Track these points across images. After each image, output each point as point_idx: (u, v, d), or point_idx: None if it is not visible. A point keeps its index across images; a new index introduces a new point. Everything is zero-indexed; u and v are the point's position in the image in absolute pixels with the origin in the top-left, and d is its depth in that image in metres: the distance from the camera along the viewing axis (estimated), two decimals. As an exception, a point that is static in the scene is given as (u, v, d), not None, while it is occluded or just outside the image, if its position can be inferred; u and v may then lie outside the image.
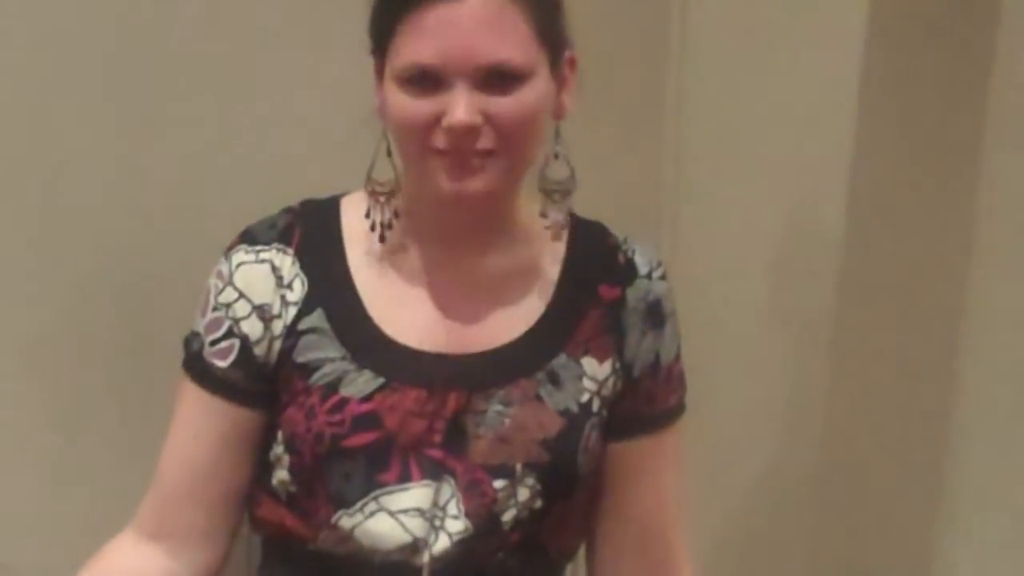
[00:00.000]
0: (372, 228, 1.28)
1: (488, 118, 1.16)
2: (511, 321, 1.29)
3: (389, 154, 1.26)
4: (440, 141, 1.17)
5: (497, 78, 1.16)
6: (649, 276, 1.34)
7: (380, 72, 1.22)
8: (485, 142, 1.17)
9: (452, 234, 1.29)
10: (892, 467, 1.97)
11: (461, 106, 1.14)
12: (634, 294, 1.32)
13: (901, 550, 1.99)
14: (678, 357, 1.36)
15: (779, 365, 2.04)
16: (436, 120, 1.16)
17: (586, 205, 1.34)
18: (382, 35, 1.20)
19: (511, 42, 1.16)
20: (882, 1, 1.84)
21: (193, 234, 1.56)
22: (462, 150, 1.17)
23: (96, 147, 1.55)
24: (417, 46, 1.15)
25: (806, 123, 1.94)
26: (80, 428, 1.60)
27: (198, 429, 1.28)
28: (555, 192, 1.28)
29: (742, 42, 2.02)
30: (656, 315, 1.33)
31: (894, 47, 1.83)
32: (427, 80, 1.16)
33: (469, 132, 1.15)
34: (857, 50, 1.83)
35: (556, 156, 1.26)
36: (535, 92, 1.18)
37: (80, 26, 1.51)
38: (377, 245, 1.29)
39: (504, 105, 1.16)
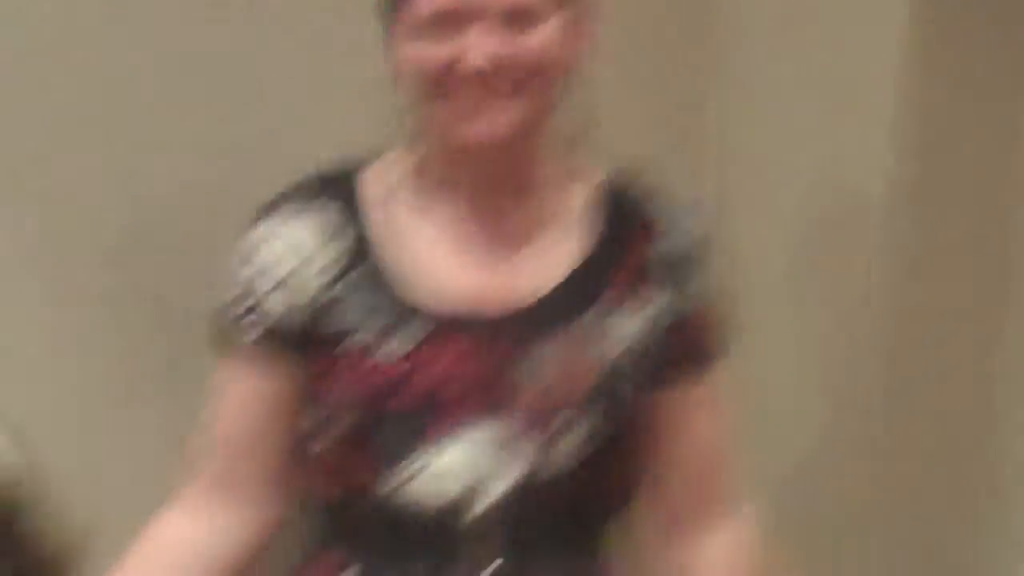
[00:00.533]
0: (391, 193, 1.30)
1: (505, 59, 1.16)
2: (543, 274, 1.29)
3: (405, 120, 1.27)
4: (458, 84, 1.17)
5: (514, 19, 1.17)
6: (683, 228, 1.34)
7: (392, 34, 1.23)
8: (502, 83, 1.17)
9: (476, 188, 1.28)
10: (950, 427, 1.94)
11: (478, 45, 1.15)
12: (667, 246, 1.32)
13: (962, 517, 1.97)
14: (713, 305, 1.35)
15: (830, 325, 2.01)
16: (453, 64, 1.17)
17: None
18: None
19: None
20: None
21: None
22: (480, 92, 1.17)
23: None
24: None
25: (848, 86, 1.91)
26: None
27: (242, 392, 1.30)
28: (575, 139, 1.28)
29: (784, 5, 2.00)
30: (688, 266, 1.33)
31: (938, 15, 1.81)
32: (445, 24, 1.16)
33: (488, 71, 1.16)
34: (901, 17, 1.79)
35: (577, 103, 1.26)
36: (550, 34, 1.19)
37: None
38: (400, 208, 1.30)
39: (520, 45, 1.17)
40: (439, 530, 1.24)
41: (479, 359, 1.24)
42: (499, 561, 1.25)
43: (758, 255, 1.95)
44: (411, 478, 1.23)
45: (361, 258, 1.27)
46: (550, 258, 1.30)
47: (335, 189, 1.30)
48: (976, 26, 1.80)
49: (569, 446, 1.24)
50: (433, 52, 1.17)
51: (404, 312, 1.25)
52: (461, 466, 1.23)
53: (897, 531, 1.97)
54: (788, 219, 1.99)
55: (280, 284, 1.27)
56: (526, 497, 1.23)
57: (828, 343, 1.96)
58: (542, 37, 1.18)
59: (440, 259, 1.28)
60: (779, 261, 2.00)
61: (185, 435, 1.34)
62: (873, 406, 1.93)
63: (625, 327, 1.29)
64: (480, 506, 1.23)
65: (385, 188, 1.30)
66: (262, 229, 1.28)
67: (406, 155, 1.30)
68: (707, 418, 1.37)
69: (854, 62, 1.87)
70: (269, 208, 1.30)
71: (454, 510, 1.23)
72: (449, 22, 1.16)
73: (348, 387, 1.24)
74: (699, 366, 1.35)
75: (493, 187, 1.28)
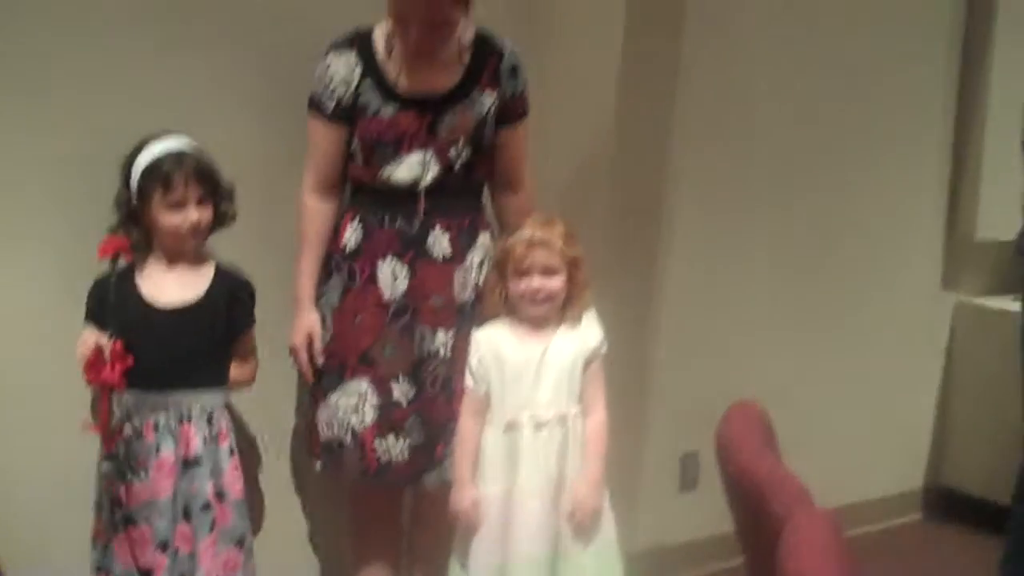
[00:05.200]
0: (386, 44, 2.72)
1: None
2: (449, 77, 2.74)
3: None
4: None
5: None
6: (510, 55, 2.80)
7: None
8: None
9: (421, 41, 2.68)
10: None
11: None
12: (504, 64, 2.79)
13: None
14: (522, 93, 2.83)
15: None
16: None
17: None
18: None
19: None
20: None
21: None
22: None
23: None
24: None
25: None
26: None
27: (324, 137, 2.75)
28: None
29: None
30: (514, 72, 2.81)
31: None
32: None
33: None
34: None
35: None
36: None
37: None
38: (388, 48, 2.71)
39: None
40: (404, 197, 2.72)
41: (422, 118, 2.70)
42: (425, 208, 2.71)
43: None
44: (392, 172, 2.71)
45: (371, 72, 2.71)
46: (452, 70, 2.74)
47: (359, 39, 2.73)
48: None
49: (461, 157, 2.73)
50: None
51: (391, 97, 2.71)
52: (415, 166, 2.71)
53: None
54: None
55: (338, 84, 2.71)
56: (442, 180, 2.72)
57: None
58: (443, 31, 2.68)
59: (406, 72, 2.70)
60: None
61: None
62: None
63: (486, 102, 2.77)
64: (422, 183, 2.71)
65: (382, 38, 2.72)
66: (330, 56, 2.72)
67: (390, 23, 2.70)
68: (517, 142, 2.85)
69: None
70: (330, 48, 2.72)
71: (411, 186, 2.71)
72: None
73: (365, 131, 2.72)
74: (517, 119, 2.84)
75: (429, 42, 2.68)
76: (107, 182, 2.59)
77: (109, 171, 2.58)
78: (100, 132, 2.68)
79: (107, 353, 2.46)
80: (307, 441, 2.89)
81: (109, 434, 2.52)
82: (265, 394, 2.85)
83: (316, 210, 2.77)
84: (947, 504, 4.29)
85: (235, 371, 2.68)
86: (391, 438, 2.73)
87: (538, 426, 2.64)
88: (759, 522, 1.81)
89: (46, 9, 2.65)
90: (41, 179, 2.69)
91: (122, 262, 2.56)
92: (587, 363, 2.69)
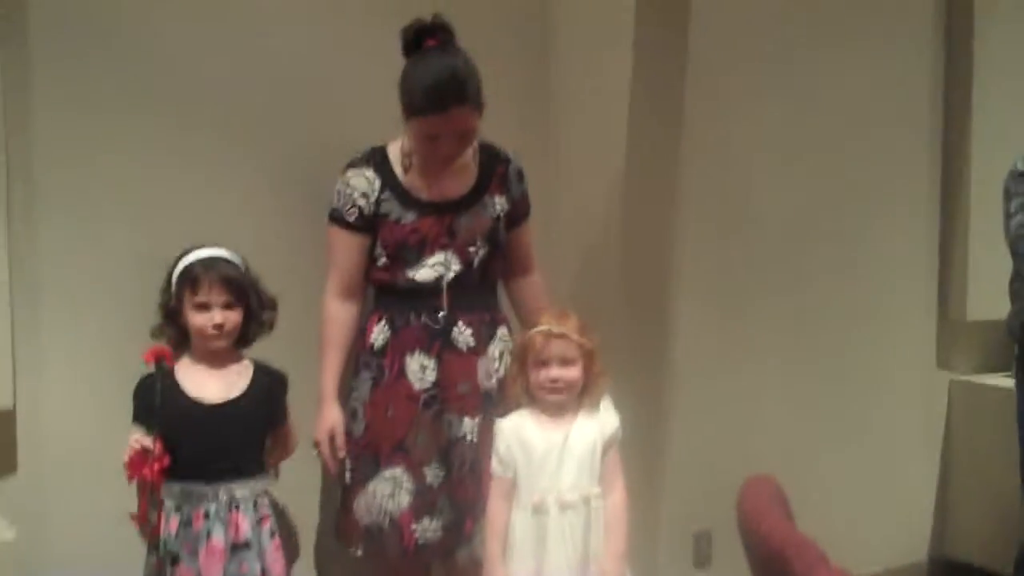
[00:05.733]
0: (403, 159, 2.94)
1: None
2: (462, 186, 2.97)
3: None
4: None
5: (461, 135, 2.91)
6: (515, 164, 3.05)
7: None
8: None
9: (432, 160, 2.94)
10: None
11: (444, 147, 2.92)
12: (510, 171, 3.04)
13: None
14: (525, 194, 3.08)
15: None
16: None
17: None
18: None
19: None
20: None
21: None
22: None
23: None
24: None
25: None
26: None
27: (347, 246, 2.95)
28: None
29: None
30: (520, 176, 3.06)
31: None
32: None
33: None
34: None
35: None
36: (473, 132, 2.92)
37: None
38: (405, 164, 2.94)
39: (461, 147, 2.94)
40: (427, 294, 2.91)
41: (441, 221, 2.92)
42: (448, 303, 2.91)
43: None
44: (416, 272, 2.91)
45: (390, 184, 2.92)
46: (465, 176, 2.98)
47: (376, 155, 2.95)
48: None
49: (479, 255, 2.95)
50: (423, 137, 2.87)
51: (411, 204, 2.92)
52: (437, 266, 2.91)
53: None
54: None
55: (359, 198, 2.91)
56: (462, 276, 2.92)
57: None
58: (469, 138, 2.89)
59: (424, 181, 2.93)
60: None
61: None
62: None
63: (497, 205, 3.00)
64: (445, 280, 2.91)
65: (398, 153, 2.94)
66: (349, 173, 2.92)
67: (407, 140, 2.91)
68: (525, 236, 3.11)
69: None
70: (350, 164, 2.93)
71: (435, 284, 2.91)
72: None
73: (389, 236, 2.91)
74: (524, 217, 3.10)
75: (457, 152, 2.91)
76: (156, 284, 2.80)
77: (158, 274, 2.80)
78: (152, 246, 2.91)
79: (153, 453, 2.63)
80: (342, 528, 3.01)
81: (148, 525, 2.67)
82: (293, 484, 3.00)
83: (339, 313, 2.95)
84: (950, 574, 4.35)
85: (277, 456, 2.87)
86: (426, 520, 2.88)
87: (563, 508, 2.77)
88: (781, 583, 1.95)
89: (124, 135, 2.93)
90: (100, 280, 2.92)
91: (165, 365, 2.73)
92: (606, 448, 2.83)
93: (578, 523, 2.79)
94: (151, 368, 2.71)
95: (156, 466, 2.64)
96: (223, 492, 2.72)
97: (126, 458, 2.65)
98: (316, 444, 2.94)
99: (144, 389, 2.74)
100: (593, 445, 2.82)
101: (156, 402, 2.69)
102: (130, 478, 2.65)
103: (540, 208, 3.18)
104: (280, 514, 2.88)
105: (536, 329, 2.85)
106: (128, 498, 2.70)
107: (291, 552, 2.91)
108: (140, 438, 2.67)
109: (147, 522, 2.67)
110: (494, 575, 2.80)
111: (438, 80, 2.74)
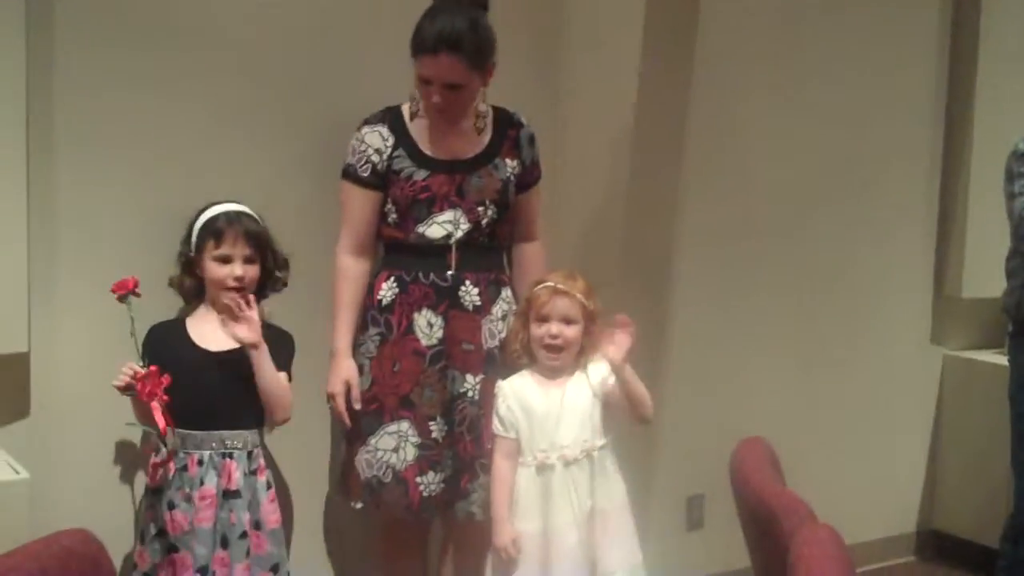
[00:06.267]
0: (412, 112, 3.01)
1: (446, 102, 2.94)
2: (474, 145, 3.03)
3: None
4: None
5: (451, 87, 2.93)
6: (526, 129, 3.12)
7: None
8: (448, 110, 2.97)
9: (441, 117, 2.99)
10: None
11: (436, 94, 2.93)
12: (522, 136, 3.10)
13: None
14: (536, 160, 3.14)
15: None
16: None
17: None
18: None
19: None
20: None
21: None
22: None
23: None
24: None
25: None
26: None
27: (360, 202, 3.01)
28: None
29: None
30: (531, 141, 3.13)
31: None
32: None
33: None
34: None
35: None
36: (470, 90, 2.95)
37: None
38: (415, 119, 3.01)
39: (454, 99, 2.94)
40: (436, 252, 2.98)
41: (452, 180, 2.98)
42: (456, 262, 2.97)
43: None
44: (425, 229, 2.97)
45: (403, 142, 2.99)
46: (476, 139, 3.03)
47: (391, 113, 3.02)
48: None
49: (488, 216, 3.01)
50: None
51: (422, 162, 2.98)
52: (447, 224, 2.97)
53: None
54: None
55: (372, 154, 2.97)
56: (471, 236, 2.99)
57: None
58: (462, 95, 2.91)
59: (434, 140, 3.00)
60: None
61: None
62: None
63: (508, 167, 3.06)
64: (452, 239, 2.97)
65: (409, 112, 3.01)
66: (364, 130, 2.99)
67: (415, 93, 2.98)
68: (533, 202, 3.17)
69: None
70: (363, 123, 3.00)
71: (444, 242, 2.97)
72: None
73: (400, 192, 2.97)
74: (534, 183, 3.15)
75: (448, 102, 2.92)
76: (170, 238, 2.88)
77: (173, 229, 2.87)
78: (166, 195, 2.98)
79: (149, 374, 2.68)
80: (343, 482, 3.09)
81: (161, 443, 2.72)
82: (303, 438, 3.09)
83: (352, 269, 3.00)
84: (939, 546, 4.42)
85: (271, 413, 2.88)
86: (431, 474, 2.96)
87: (567, 464, 2.84)
88: (770, 538, 2.00)
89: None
90: (115, 235, 2.97)
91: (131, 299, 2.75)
92: (602, 396, 2.88)
93: (582, 477, 2.84)
94: (126, 301, 2.74)
95: (162, 382, 2.68)
96: (217, 439, 2.78)
97: (118, 384, 2.69)
98: (330, 396, 2.99)
99: (154, 332, 2.82)
100: (590, 398, 2.88)
101: (163, 344, 2.80)
102: (142, 395, 2.68)
103: (544, 184, 3.22)
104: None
105: (542, 284, 2.91)
106: (136, 440, 2.81)
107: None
108: (131, 364, 2.71)
109: (166, 434, 2.69)
110: (502, 534, 2.86)
111: (438, 25, 2.81)
